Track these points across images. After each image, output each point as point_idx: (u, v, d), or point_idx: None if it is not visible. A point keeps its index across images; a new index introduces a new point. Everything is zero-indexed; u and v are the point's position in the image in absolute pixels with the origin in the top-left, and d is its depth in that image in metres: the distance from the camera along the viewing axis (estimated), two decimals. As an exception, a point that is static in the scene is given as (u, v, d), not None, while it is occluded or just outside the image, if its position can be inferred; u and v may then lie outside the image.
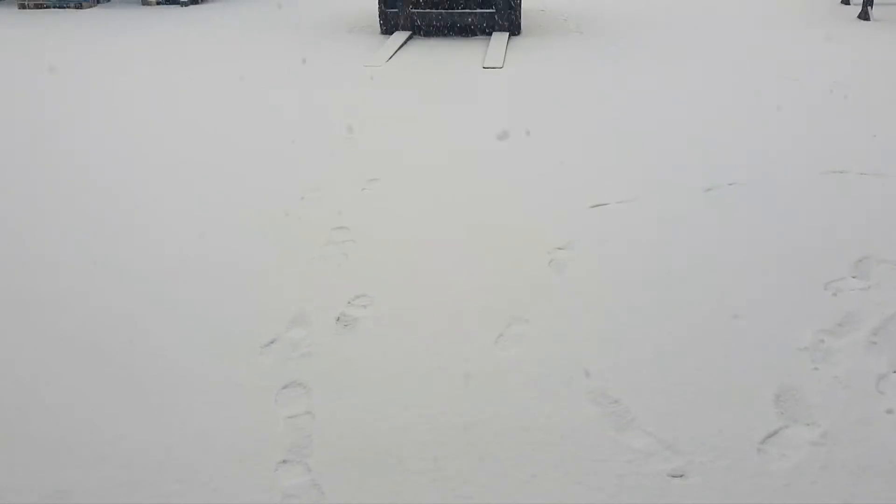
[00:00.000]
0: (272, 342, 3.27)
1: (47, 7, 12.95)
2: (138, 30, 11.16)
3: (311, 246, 4.20)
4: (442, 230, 4.39)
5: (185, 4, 13.22)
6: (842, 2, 12.80)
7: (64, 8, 12.93)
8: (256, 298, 3.65)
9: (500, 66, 8.64)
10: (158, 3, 13.29)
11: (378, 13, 10.46)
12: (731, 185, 5.00)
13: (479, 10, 10.25)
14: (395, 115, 6.82)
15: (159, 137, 6.19)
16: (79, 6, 13.00)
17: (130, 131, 6.38)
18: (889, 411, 2.80)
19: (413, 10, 10.24)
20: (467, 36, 10.29)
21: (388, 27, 10.38)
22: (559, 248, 4.11)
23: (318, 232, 4.37)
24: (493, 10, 10.18)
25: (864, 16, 11.27)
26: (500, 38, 9.84)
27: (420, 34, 10.37)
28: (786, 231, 4.31)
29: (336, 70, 8.58)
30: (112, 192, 5.03)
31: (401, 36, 10.04)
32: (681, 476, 2.53)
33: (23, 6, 12.97)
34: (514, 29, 10.28)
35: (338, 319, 3.45)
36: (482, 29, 10.26)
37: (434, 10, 10.28)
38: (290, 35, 10.68)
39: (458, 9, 10.26)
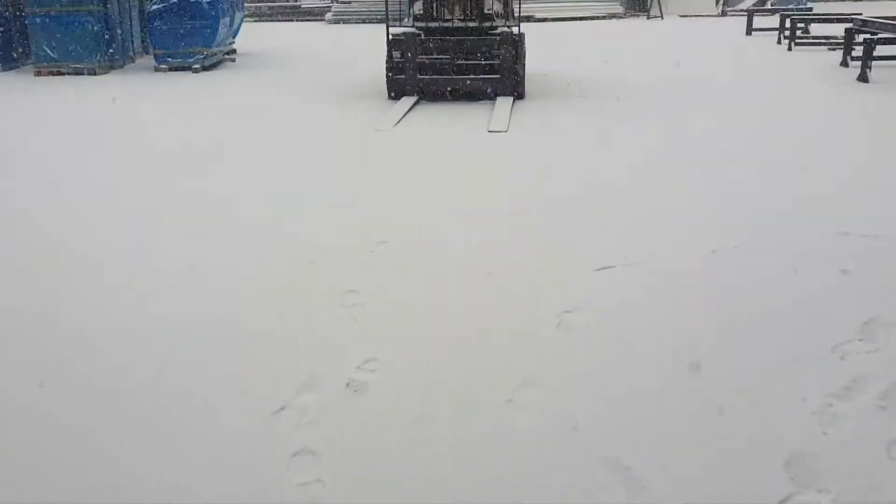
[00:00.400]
0: (282, 408, 3.29)
1: (63, 74, 13.28)
2: (150, 95, 11.44)
3: (321, 309, 4.24)
4: (450, 294, 4.43)
5: (197, 71, 13.54)
6: (841, 64, 13.04)
7: (79, 75, 13.25)
8: (265, 363, 3.68)
9: (505, 129, 8.79)
10: (171, 70, 13.62)
11: (386, 79, 10.70)
12: (735, 247, 5.05)
13: (484, 76, 10.47)
14: (403, 178, 6.94)
15: (164, 199, 6.30)
16: (93, 73, 13.33)
17: (136, 193, 6.49)
18: (900, 477, 2.80)
19: (420, 77, 10.46)
20: (473, 100, 10.48)
21: (396, 92, 10.60)
22: (567, 311, 4.14)
23: (328, 295, 4.42)
24: (498, 76, 10.39)
25: (862, 77, 11.47)
26: (504, 102, 10.03)
27: (427, 99, 10.58)
28: (791, 293, 4.34)
29: (345, 134, 8.76)
30: (116, 252, 5.11)
31: (408, 101, 10.25)
32: (692, 544, 2.52)
33: (38, 73, 13.31)
34: (518, 93, 10.48)
35: (347, 384, 3.48)
36: (487, 94, 10.47)
37: (440, 77, 10.50)
38: (299, 100, 10.91)
39: (463, 75, 10.48)
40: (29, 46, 13.56)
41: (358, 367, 3.61)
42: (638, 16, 24.67)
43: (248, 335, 3.96)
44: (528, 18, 20.59)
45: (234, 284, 4.62)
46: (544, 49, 14.76)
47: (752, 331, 3.91)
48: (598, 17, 24.06)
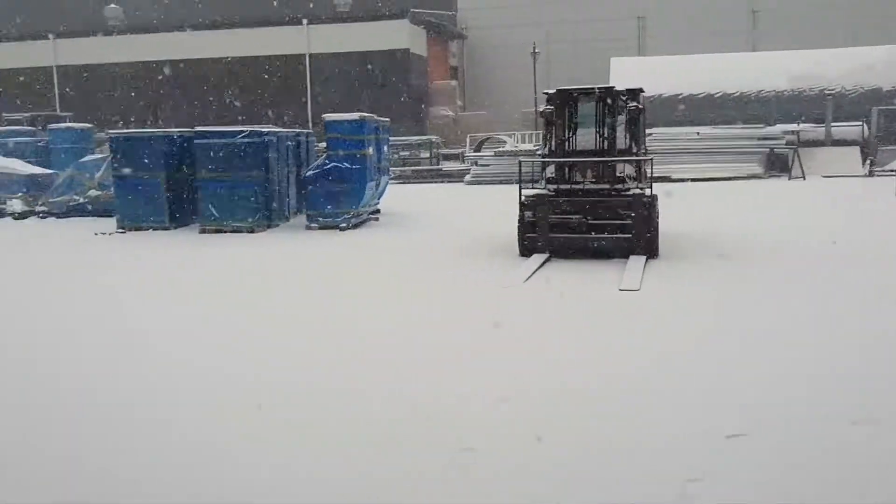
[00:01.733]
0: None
1: (224, 231, 14.52)
2: (297, 253, 12.27)
3: (433, 467, 4.25)
4: (571, 456, 4.35)
5: (344, 229, 14.43)
6: None
7: (238, 232, 14.44)
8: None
9: (637, 288, 8.75)
10: (320, 228, 14.59)
11: (517, 236, 11.00)
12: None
13: (615, 235, 10.57)
14: (530, 335, 6.99)
15: (289, 351, 6.62)
16: (251, 231, 14.49)
17: (278, 343, 6.86)
18: None
19: (551, 235, 10.69)
20: (604, 259, 10.55)
21: (527, 250, 10.84)
22: (690, 481, 3.96)
23: (442, 452, 4.43)
24: (630, 235, 10.46)
25: None
26: (637, 261, 10.03)
27: (558, 257, 10.73)
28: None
29: (474, 289, 8.97)
30: (240, 411, 5.36)
31: (539, 258, 10.45)
32: None
33: (203, 231, 14.61)
34: (651, 252, 10.46)
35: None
36: (619, 252, 10.51)
37: (571, 235, 10.68)
38: (433, 255, 11.37)
39: (594, 234, 10.62)
40: (196, 207, 14.98)
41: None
42: (779, 176, 24.33)
43: (356, 492, 4.01)
44: (665, 179, 20.79)
45: (345, 441, 4.73)
46: (680, 209, 14.76)
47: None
48: (737, 178, 23.92)
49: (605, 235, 10.63)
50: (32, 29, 40.36)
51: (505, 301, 8.42)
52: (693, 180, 22.94)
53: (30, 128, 29.48)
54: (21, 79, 38.70)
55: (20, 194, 18.06)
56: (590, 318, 7.65)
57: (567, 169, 11.06)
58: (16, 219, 17.41)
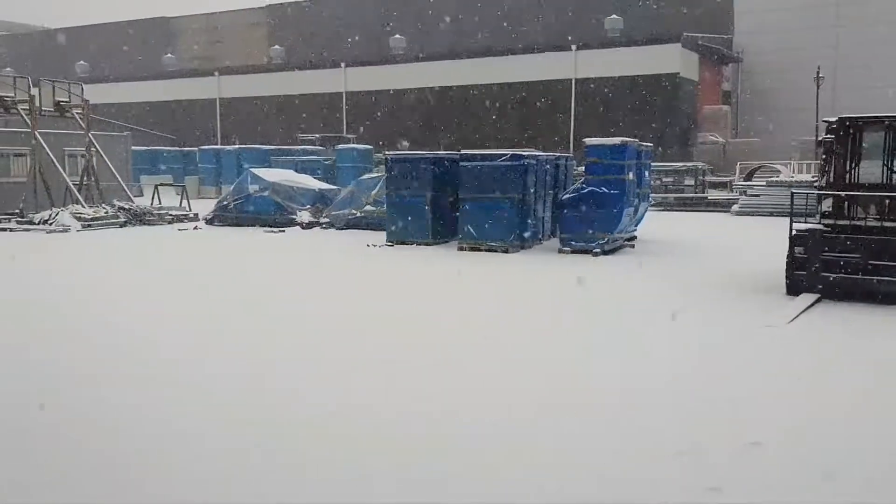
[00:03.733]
0: None
1: (480, 250, 15.07)
2: (551, 275, 12.40)
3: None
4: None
5: (596, 255, 14.33)
6: None
7: (493, 252, 14.91)
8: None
9: (923, 340, 7.78)
10: (572, 252, 14.62)
11: (785, 273, 10.25)
12: None
13: (901, 279, 9.49)
14: (789, 382, 6.49)
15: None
16: (505, 251, 14.89)
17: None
18: None
19: (823, 273, 9.83)
20: (884, 304, 9.48)
21: (794, 289, 10.07)
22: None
23: (688, 490, 4.26)
24: (919, 280, 9.33)
25: None
26: (924, 309, 8.92)
27: (830, 299, 9.84)
28: None
29: (734, 327, 8.50)
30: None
31: (807, 298, 9.65)
32: None
33: (461, 248, 15.28)
34: (947, 302, 9.25)
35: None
36: (905, 298, 9.41)
37: (848, 276, 9.74)
38: (690, 288, 10.93)
39: (875, 275, 9.59)
40: (456, 225, 15.71)
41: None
42: None
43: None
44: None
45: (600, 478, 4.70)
46: None
47: None
48: None
49: (887, 278, 9.56)
50: (327, 59, 44.99)
51: (766, 342, 7.87)
52: None
53: (320, 147, 32.92)
54: (315, 103, 43.17)
55: (308, 207, 20.15)
56: (858, 367, 6.94)
57: (847, 204, 10.12)
58: (303, 228, 19.43)
